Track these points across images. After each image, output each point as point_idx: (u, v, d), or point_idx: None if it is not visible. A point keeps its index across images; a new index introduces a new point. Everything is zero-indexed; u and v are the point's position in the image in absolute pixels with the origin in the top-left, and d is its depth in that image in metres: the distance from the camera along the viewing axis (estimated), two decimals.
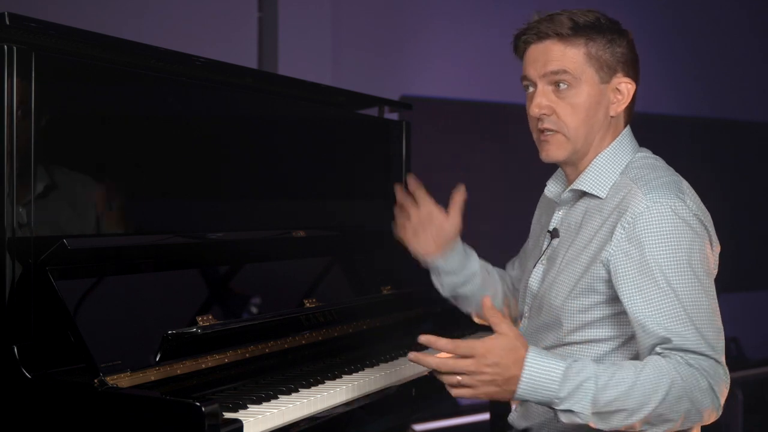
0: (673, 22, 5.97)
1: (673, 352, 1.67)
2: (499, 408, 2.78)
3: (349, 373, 2.12)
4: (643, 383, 1.62)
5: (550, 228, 1.95)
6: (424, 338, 1.68)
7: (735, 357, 5.24)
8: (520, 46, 1.89)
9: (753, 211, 6.33)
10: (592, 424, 1.65)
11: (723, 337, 1.72)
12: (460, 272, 2.18)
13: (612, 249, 1.75)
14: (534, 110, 1.84)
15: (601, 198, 1.84)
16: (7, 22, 1.68)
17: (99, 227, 1.87)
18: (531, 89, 1.87)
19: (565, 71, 1.81)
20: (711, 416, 1.69)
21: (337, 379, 2.06)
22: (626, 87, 1.85)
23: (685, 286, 1.69)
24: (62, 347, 1.69)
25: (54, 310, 1.69)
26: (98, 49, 1.97)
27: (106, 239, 1.88)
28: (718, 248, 1.83)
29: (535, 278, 1.95)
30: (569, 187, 1.91)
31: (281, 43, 4.28)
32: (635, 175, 1.82)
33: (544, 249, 1.96)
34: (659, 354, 1.68)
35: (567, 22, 1.82)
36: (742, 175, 6.31)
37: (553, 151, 1.86)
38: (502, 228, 5.18)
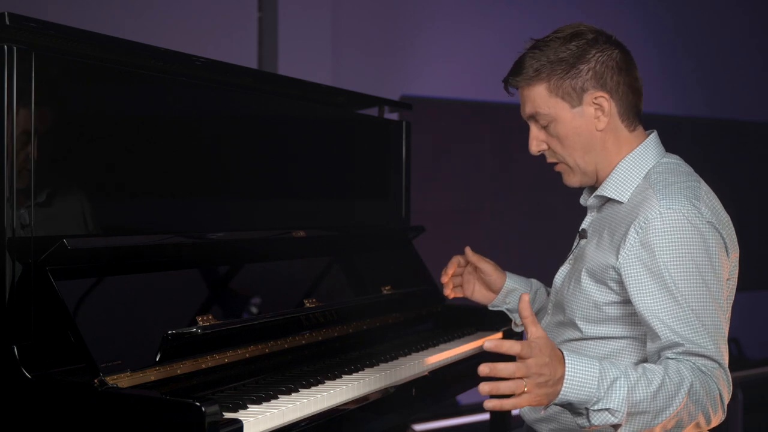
0: (673, 22, 5.97)
1: (686, 356, 1.68)
2: None
3: (349, 373, 2.12)
4: (668, 385, 1.62)
5: (580, 229, 1.99)
6: (489, 344, 1.58)
7: (735, 357, 5.24)
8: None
9: (753, 212, 6.33)
10: (621, 427, 1.62)
11: (726, 341, 1.74)
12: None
13: (625, 252, 1.77)
14: (532, 150, 1.94)
15: (623, 203, 1.86)
16: (7, 22, 1.68)
17: (99, 227, 1.86)
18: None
19: (537, 113, 1.90)
20: (717, 422, 1.72)
21: (337, 379, 2.06)
22: (601, 101, 1.86)
23: (693, 293, 1.71)
24: (62, 347, 1.69)
25: (54, 310, 1.69)
26: (98, 49, 1.97)
27: (106, 239, 1.87)
28: (735, 254, 1.84)
29: (559, 276, 2.00)
30: (594, 193, 1.95)
31: (281, 43, 4.28)
32: (655, 179, 1.84)
33: (572, 249, 2.00)
34: (672, 359, 1.69)
35: (528, 65, 1.88)
36: (742, 175, 6.31)
37: (567, 179, 1.96)
38: (503, 227, 5.18)
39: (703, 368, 1.67)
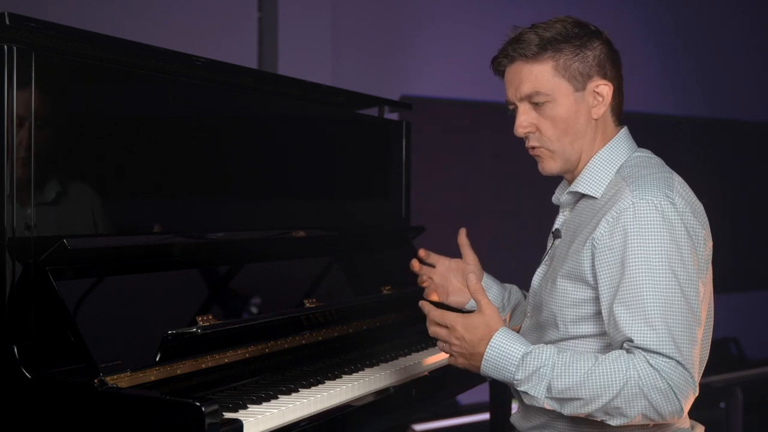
0: (673, 22, 5.97)
1: (638, 350, 1.68)
2: (499, 408, 2.78)
3: (349, 373, 2.12)
4: (598, 375, 1.67)
5: (553, 229, 1.97)
6: (421, 303, 1.87)
7: (735, 357, 5.24)
8: (498, 70, 1.93)
9: (753, 211, 6.33)
10: (548, 407, 1.72)
11: (696, 342, 1.70)
12: (505, 308, 2.23)
13: (596, 243, 1.77)
14: (517, 131, 1.89)
15: (596, 198, 1.85)
16: (7, 22, 1.68)
17: (99, 227, 1.87)
18: (513, 109, 1.91)
19: (537, 92, 1.85)
20: (672, 418, 1.69)
21: (337, 379, 2.06)
22: (603, 89, 1.86)
23: (660, 286, 1.69)
24: (62, 347, 1.69)
25: (54, 310, 1.69)
26: (98, 49, 1.97)
27: (106, 239, 1.87)
28: (710, 244, 1.82)
29: (536, 277, 1.98)
30: (567, 190, 1.93)
31: (281, 43, 4.28)
32: (627, 173, 1.84)
33: (547, 249, 1.98)
34: (626, 349, 1.70)
35: (532, 39, 1.84)
36: (742, 175, 6.31)
37: (546, 165, 1.91)
38: (503, 227, 5.18)
39: (652, 362, 1.65)
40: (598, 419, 1.71)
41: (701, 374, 1.87)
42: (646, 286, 1.69)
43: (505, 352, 1.74)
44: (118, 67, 1.99)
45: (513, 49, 1.86)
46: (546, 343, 1.87)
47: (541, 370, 1.71)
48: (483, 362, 1.76)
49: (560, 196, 1.98)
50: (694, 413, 1.91)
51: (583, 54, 1.84)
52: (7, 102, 1.68)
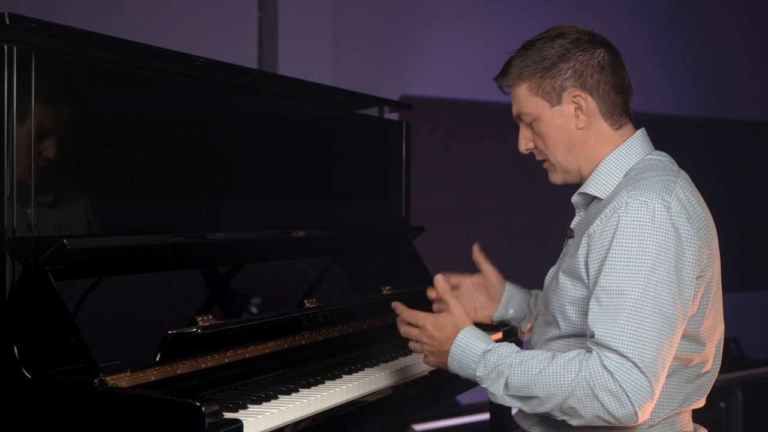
0: (673, 22, 5.97)
1: (597, 347, 1.68)
2: (499, 408, 2.78)
3: (349, 373, 2.12)
4: (549, 374, 1.70)
5: (569, 229, 1.99)
6: (394, 304, 1.98)
7: (735, 357, 5.24)
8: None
9: (753, 211, 6.33)
10: (510, 404, 1.76)
11: (663, 348, 1.66)
12: (531, 316, 2.22)
13: (591, 240, 1.78)
14: (520, 148, 1.99)
15: (603, 199, 1.86)
16: (7, 22, 1.68)
17: (99, 227, 1.87)
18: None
19: (521, 113, 1.94)
20: (628, 421, 1.66)
21: (337, 379, 2.06)
22: (579, 99, 1.87)
23: (634, 286, 1.68)
24: (62, 347, 1.69)
25: (54, 310, 1.69)
26: (98, 49, 1.97)
27: (106, 239, 1.87)
28: (708, 251, 1.79)
29: (548, 276, 2.01)
30: (577, 191, 1.95)
31: (281, 43, 4.28)
32: (634, 175, 1.84)
33: (563, 249, 2.00)
34: (588, 348, 1.71)
35: (511, 64, 1.93)
36: (742, 175, 6.31)
37: (551, 176, 1.99)
38: (503, 227, 5.18)
39: (606, 362, 1.65)
40: (559, 418, 1.73)
41: (713, 380, 1.87)
42: (622, 284, 1.69)
43: (467, 350, 1.82)
44: (119, 67, 1.99)
45: (499, 75, 1.96)
46: (548, 341, 1.89)
47: (499, 367, 1.76)
48: (449, 359, 1.84)
49: (573, 198, 2.00)
50: (694, 413, 1.91)
51: (556, 69, 1.87)
52: (7, 102, 1.68)
